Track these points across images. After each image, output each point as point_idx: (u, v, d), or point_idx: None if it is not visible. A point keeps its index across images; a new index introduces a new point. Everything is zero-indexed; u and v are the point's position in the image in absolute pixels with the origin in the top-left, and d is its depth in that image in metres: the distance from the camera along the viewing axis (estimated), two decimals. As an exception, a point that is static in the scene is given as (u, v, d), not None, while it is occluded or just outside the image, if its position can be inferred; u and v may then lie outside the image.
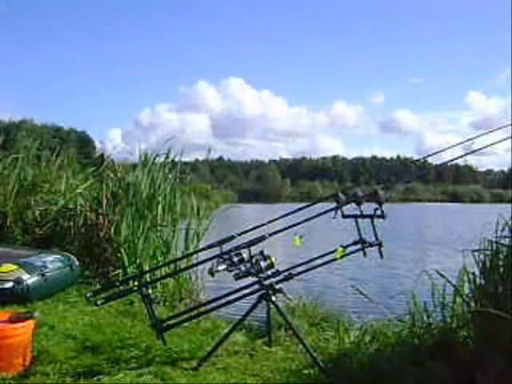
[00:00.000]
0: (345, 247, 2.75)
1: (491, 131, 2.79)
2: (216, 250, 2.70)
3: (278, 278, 2.72)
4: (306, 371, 2.61)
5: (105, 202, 5.13)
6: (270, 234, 2.68)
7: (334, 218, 2.69)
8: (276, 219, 2.85)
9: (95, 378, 2.39)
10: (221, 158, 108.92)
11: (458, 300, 2.77)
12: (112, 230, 4.88)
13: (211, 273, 2.61)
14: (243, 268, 2.63)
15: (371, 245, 2.76)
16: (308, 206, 2.96)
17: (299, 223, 2.72)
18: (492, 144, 2.70)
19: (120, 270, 4.60)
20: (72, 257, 4.43)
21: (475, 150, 2.90)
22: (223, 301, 2.77)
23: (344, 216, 2.75)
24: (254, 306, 2.72)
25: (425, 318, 2.85)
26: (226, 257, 2.63)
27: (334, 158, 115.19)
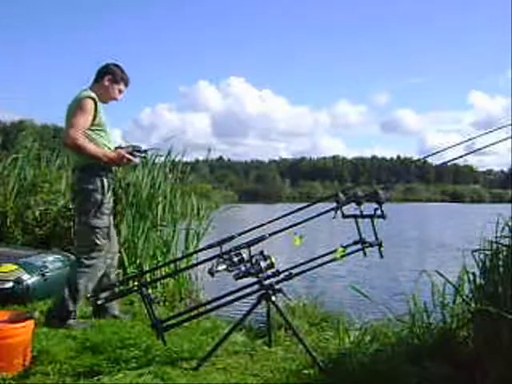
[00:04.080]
0: (345, 247, 2.74)
1: (491, 131, 2.79)
2: (216, 250, 2.70)
3: (278, 278, 2.71)
4: (306, 371, 2.61)
5: (105, 202, 5.13)
6: (270, 234, 2.68)
7: (334, 217, 2.69)
8: (276, 219, 2.85)
9: (95, 378, 2.39)
10: (221, 158, 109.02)
11: (458, 300, 2.78)
12: (112, 229, 4.88)
13: (211, 273, 2.61)
14: (243, 268, 2.63)
15: (371, 245, 2.76)
16: (308, 205, 2.96)
17: (299, 223, 2.72)
18: (492, 144, 2.71)
19: (120, 270, 4.59)
20: (72, 257, 4.42)
21: (475, 150, 2.90)
22: (223, 301, 2.76)
23: (344, 216, 2.74)
24: (253, 306, 2.72)
25: (425, 318, 2.85)
26: (225, 257, 2.63)
27: (334, 157, 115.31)
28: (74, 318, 3.27)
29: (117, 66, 3.52)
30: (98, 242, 3.30)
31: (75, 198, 3.43)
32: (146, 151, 3.52)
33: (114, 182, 3.44)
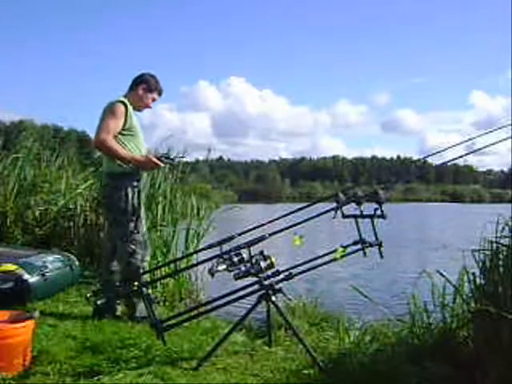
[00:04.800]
0: (345, 247, 2.74)
1: (491, 131, 2.79)
2: (216, 250, 2.70)
3: (278, 278, 2.71)
4: (306, 371, 2.61)
5: (105, 202, 5.13)
6: (270, 234, 2.68)
7: (334, 217, 2.69)
8: (276, 219, 2.85)
9: (95, 378, 2.39)
10: (221, 158, 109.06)
11: (458, 300, 2.78)
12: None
13: (211, 273, 2.61)
14: (243, 268, 2.63)
15: (371, 245, 2.76)
16: (308, 206, 2.96)
17: (299, 223, 2.72)
18: (492, 144, 2.71)
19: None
20: (72, 257, 4.42)
21: (475, 150, 2.90)
22: (223, 301, 2.76)
23: (344, 216, 2.74)
24: (253, 306, 2.72)
25: (425, 318, 2.85)
26: (225, 257, 2.63)
27: (334, 157, 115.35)
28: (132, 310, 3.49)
29: (152, 76, 3.62)
30: (128, 249, 3.39)
31: (103, 204, 3.80)
32: (173, 159, 3.55)
33: (139, 189, 3.47)
